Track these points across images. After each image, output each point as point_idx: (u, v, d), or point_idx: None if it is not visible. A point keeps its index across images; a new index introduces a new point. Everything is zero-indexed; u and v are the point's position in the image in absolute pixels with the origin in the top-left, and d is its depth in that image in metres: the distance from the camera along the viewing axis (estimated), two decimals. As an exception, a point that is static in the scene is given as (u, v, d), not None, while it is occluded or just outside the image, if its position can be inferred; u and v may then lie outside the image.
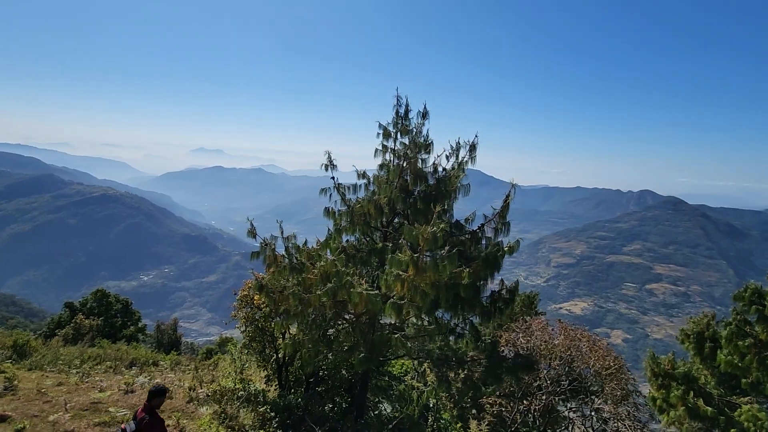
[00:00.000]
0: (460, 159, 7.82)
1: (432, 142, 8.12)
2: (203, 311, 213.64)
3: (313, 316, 7.37)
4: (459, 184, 7.79)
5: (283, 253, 8.11)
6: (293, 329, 11.11)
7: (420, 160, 8.01)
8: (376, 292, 6.20)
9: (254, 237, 8.08)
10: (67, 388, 11.31)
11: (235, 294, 10.60)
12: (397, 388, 11.14)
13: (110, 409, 7.45)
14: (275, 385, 10.67)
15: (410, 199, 8.09)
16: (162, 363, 17.94)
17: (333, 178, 8.94)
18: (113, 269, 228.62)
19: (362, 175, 9.07)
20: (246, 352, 10.88)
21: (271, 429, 8.07)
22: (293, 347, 8.13)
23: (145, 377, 10.99)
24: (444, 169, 8.12)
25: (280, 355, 10.85)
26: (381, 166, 9.15)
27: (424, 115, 7.93)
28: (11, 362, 13.92)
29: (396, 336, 6.32)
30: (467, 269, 6.05)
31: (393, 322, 7.17)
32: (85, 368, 14.85)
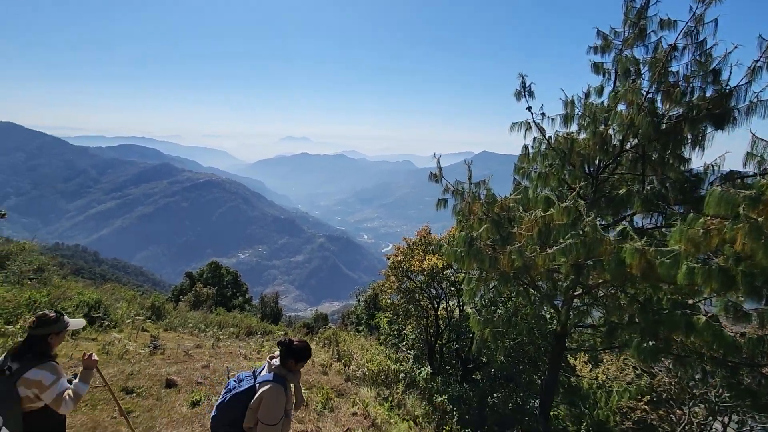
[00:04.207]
0: (752, 64, 5.12)
1: (705, 39, 5.48)
2: (292, 288, 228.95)
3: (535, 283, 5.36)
4: (755, 100, 5.12)
5: (467, 199, 6.24)
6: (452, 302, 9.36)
7: (698, 67, 5.44)
8: (672, 248, 3.98)
9: (437, 181, 6.31)
10: (208, 352, 10.86)
11: (388, 258, 9.13)
12: (578, 384, 8.85)
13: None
14: (428, 370, 9.04)
15: (662, 125, 5.62)
16: (274, 333, 17.75)
17: (529, 108, 6.78)
18: (216, 247, 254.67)
19: (570, 103, 6.77)
20: (396, 328, 9.42)
21: (450, 426, 6.36)
22: (485, 326, 6.26)
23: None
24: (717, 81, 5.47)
25: (431, 331, 9.25)
26: (597, 91, 6.78)
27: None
28: (151, 322, 14.39)
29: (702, 319, 4.10)
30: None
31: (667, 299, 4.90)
32: (213, 332, 14.93)
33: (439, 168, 6.15)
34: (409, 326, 9.86)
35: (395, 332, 9.99)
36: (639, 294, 4.83)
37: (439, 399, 6.65)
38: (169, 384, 5.73)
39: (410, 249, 8.93)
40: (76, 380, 2.75)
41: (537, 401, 8.87)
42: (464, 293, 6.68)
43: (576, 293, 5.80)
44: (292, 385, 2.85)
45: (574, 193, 5.27)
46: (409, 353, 9.72)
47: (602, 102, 6.86)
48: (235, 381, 2.89)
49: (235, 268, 35.88)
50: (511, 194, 6.90)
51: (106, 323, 11.65)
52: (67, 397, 2.57)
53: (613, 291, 5.15)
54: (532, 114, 6.79)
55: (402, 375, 7.68)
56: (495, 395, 8.16)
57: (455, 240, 5.78)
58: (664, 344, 4.49)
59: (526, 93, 6.84)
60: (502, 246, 5.52)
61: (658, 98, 5.87)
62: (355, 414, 5.38)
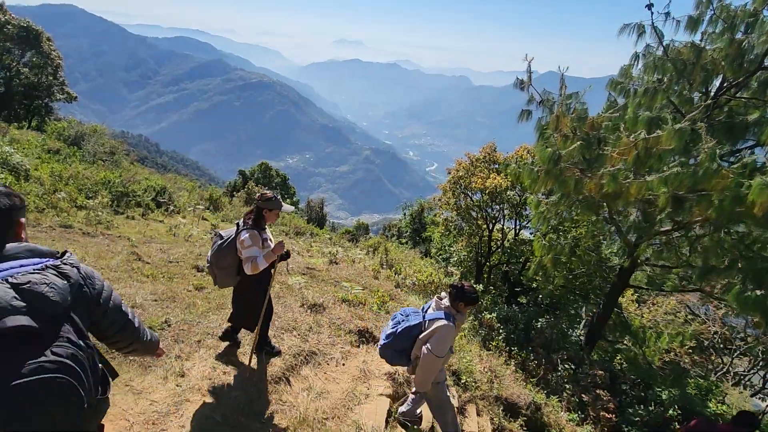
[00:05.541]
0: None
1: None
2: (335, 197, 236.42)
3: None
4: None
5: (556, 112, 5.51)
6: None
7: None
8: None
9: (523, 88, 5.57)
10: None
11: (448, 172, 8.74)
12: (629, 321, 8.66)
13: (345, 284, 6.55)
14: (479, 288, 9.08)
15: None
16: (320, 235, 18.55)
17: (650, 5, 5.56)
18: (266, 149, 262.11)
19: (706, 2, 5.46)
20: (448, 243, 9.39)
21: (496, 342, 6.48)
22: (547, 252, 5.96)
23: (344, 250, 10.44)
24: None
25: (483, 251, 9.14)
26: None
27: None
28: (209, 212, 15.37)
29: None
30: None
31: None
32: (265, 229, 15.78)
33: (529, 73, 5.34)
34: (460, 243, 9.79)
35: (445, 247, 9.99)
36: (746, 237, 4.24)
37: (488, 316, 6.71)
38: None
39: (473, 165, 8.40)
40: (263, 254, 3.18)
41: (580, 331, 8.85)
42: (533, 216, 6.28)
43: (664, 229, 5.25)
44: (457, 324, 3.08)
45: (691, 115, 4.43)
46: (456, 270, 9.78)
47: (745, 5, 5.50)
48: (401, 315, 3.20)
49: (283, 171, 37.03)
50: (603, 112, 6.04)
51: (171, 208, 12.51)
52: (250, 262, 3.07)
53: (713, 230, 4.57)
54: (652, 13, 5.58)
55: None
56: (541, 320, 8.18)
57: (538, 156, 5.21)
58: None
59: (648, -17, 5.57)
60: (588, 168, 4.93)
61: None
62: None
